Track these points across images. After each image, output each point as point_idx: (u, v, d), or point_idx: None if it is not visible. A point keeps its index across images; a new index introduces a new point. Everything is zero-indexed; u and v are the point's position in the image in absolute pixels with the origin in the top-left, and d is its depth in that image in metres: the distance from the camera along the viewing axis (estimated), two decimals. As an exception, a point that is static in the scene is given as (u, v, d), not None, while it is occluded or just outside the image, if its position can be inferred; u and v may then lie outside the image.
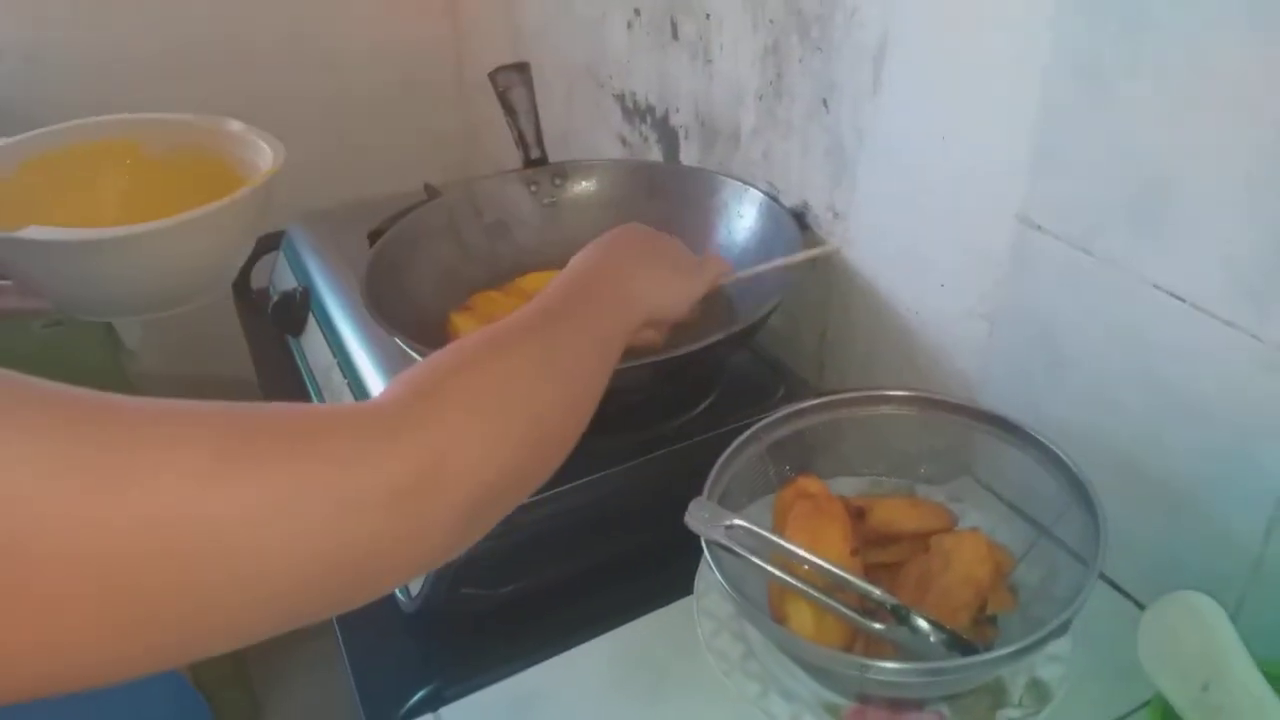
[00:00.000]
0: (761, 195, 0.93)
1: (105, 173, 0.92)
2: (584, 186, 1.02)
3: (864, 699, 0.60)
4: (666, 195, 0.99)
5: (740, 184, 0.95)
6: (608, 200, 1.01)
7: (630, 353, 0.66)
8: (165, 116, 0.94)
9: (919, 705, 0.59)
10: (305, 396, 1.02)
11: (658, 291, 0.65)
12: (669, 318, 0.67)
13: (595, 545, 0.77)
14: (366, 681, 0.73)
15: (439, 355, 0.49)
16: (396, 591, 0.73)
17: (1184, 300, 0.60)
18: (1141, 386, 0.64)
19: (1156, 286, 0.61)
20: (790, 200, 0.94)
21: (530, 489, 0.50)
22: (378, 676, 0.73)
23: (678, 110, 1.12)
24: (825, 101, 0.86)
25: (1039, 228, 0.68)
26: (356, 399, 0.89)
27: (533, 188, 1.00)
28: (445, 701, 0.64)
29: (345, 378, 0.93)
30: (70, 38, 1.49)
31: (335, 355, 0.97)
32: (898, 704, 0.59)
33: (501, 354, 0.49)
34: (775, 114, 0.93)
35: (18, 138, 0.88)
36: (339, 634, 0.77)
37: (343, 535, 0.39)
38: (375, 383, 0.89)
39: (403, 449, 0.41)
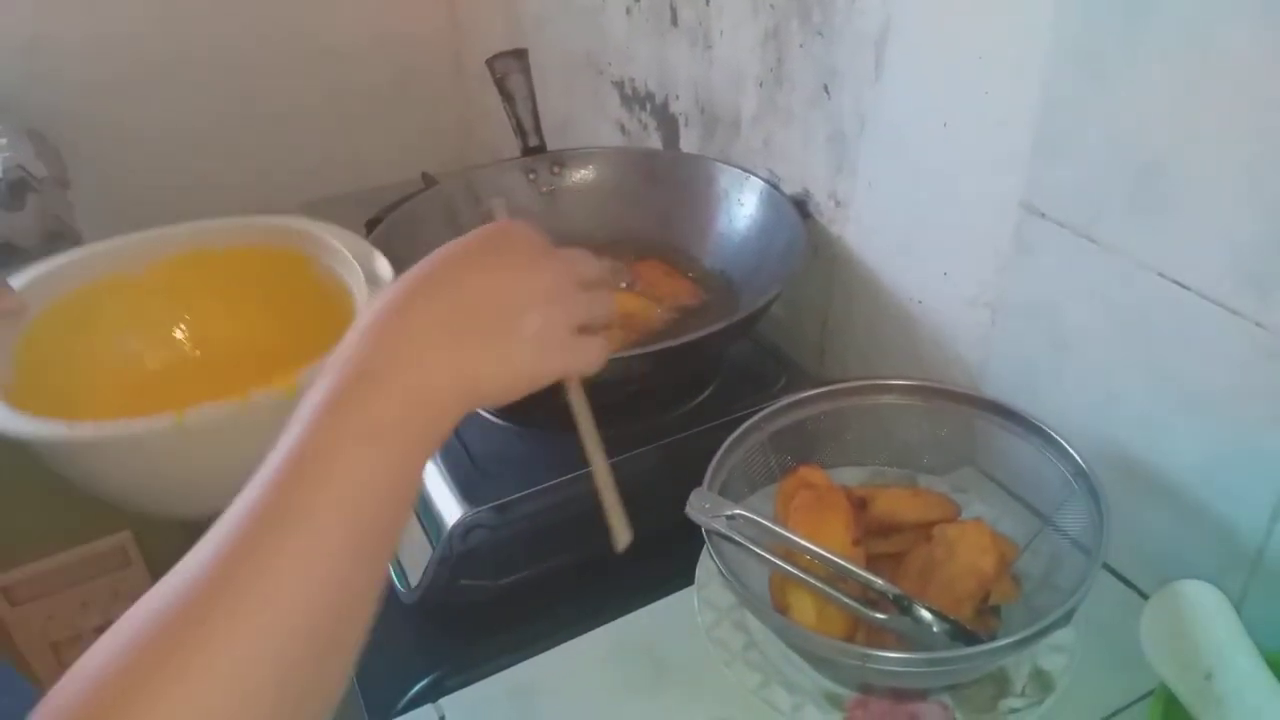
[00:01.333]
0: (762, 183, 0.92)
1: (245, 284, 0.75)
2: (582, 175, 1.01)
3: (866, 689, 0.60)
4: (666, 183, 0.99)
5: (741, 172, 0.95)
6: (607, 188, 1.01)
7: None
8: (331, 236, 0.74)
9: (922, 695, 0.59)
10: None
11: (474, 380, 0.42)
12: (499, 402, 0.44)
13: (595, 536, 0.77)
14: (367, 673, 0.73)
15: (113, 648, 0.32)
16: (396, 583, 0.73)
17: (1187, 287, 0.59)
18: (1144, 374, 0.64)
19: (1160, 274, 0.61)
20: (791, 188, 0.93)
21: None
22: (378, 668, 0.73)
23: (677, 97, 1.11)
24: (826, 87, 0.85)
25: (1042, 214, 0.68)
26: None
27: (531, 176, 1.00)
28: (446, 692, 0.64)
29: (344, 368, 0.93)
30: (69, 29, 1.48)
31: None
32: (900, 694, 0.59)
33: (193, 637, 0.32)
34: (776, 100, 0.93)
35: (156, 231, 0.74)
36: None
37: None
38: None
39: None
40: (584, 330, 0.46)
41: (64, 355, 0.68)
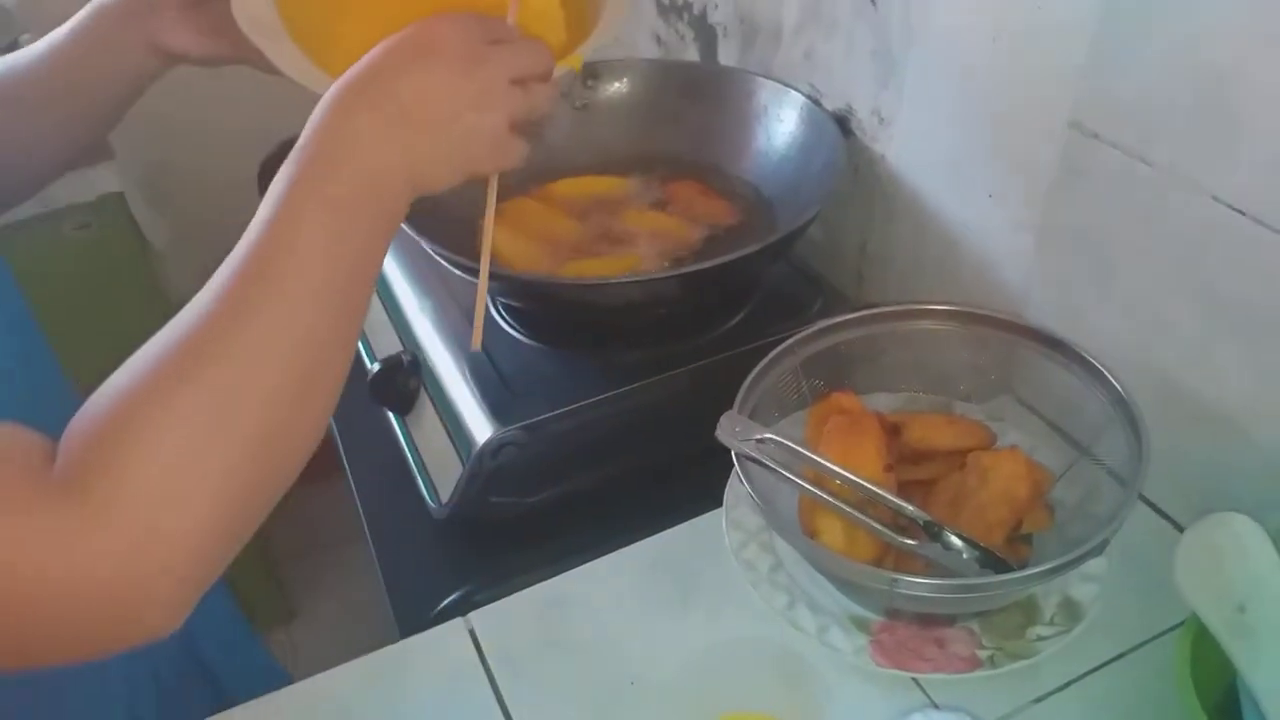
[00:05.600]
0: (803, 98, 0.89)
1: None
2: (617, 88, 0.98)
3: (893, 614, 0.60)
4: (703, 97, 0.96)
5: (781, 86, 0.92)
6: (641, 102, 0.98)
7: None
8: None
9: (949, 621, 0.59)
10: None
11: (417, 169, 0.47)
12: (438, 189, 0.50)
13: (625, 456, 0.77)
14: (398, 586, 0.75)
15: (119, 384, 0.39)
16: (427, 498, 0.74)
17: (1244, 213, 0.57)
18: (1194, 303, 0.62)
19: (1216, 199, 0.58)
20: (833, 104, 0.90)
21: (282, 488, 0.43)
22: (409, 581, 0.74)
23: (716, 7, 1.07)
24: (872, -2, 0.81)
25: (1094, 135, 0.65)
26: (386, 308, 0.89)
27: (564, 89, 0.97)
28: (475, 606, 0.65)
29: (375, 284, 0.93)
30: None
31: (365, 261, 0.96)
32: (927, 620, 0.59)
33: (190, 372, 0.39)
34: (819, 11, 0.89)
35: None
36: (371, 541, 0.78)
37: (45, 618, 0.37)
38: (404, 290, 0.88)
39: (101, 536, 0.36)
40: (519, 126, 0.50)
41: None
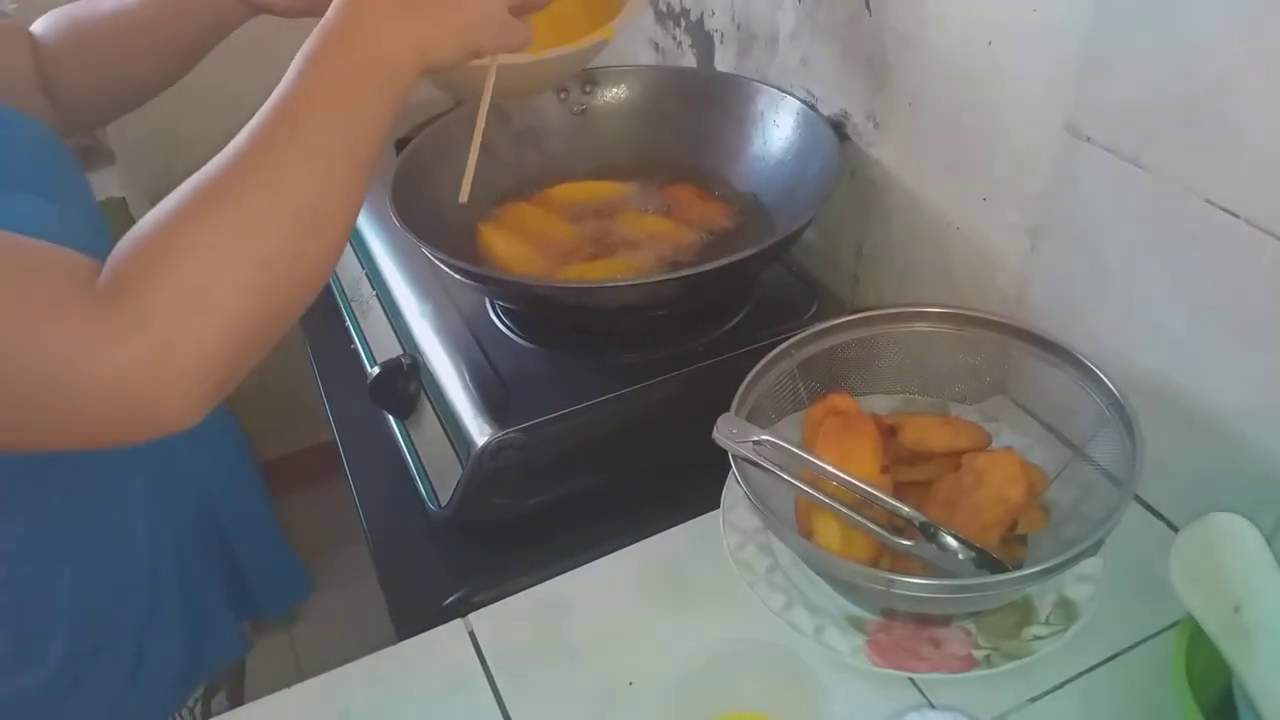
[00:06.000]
0: (799, 104, 0.90)
1: None
2: (615, 94, 0.99)
3: (889, 614, 0.60)
4: (700, 103, 0.97)
5: (777, 91, 0.92)
6: (639, 108, 0.99)
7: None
8: None
9: (945, 621, 0.59)
10: (334, 305, 1.02)
11: (424, 46, 0.53)
12: (444, 67, 0.55)
13: (624, 459, 0.78)
14: (397, 587, 0.75)
15: (158, 214, 0.45)
16: (427, 500, 0.74)
17: (1238, 216, 0.57)
18: (1188, 306, 0.62)
19: (1210, 202, 0.59)
20: (829, 109, 0.91)
21: (291, 317, 0.49)
22: (408, 583, 0.75)
23: (713, 13, 1.08)
24: (868, 4, 0.82)
25: (1087, 139, 0.65)
26: (386, 313, 0.89)
27: (562, 95, 0.98)
28: (475, 607, 0.65)
29: (374, 289, 0.93)
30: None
31: (363, 266, 0.97)
32: (923, 620, 0.60)
33: (217, 204, 0.45)
34: (815, 18, 0.90)
35: None
36: (371, 543, 0.79)
37: (82, 406, 0.43)
38: (404, 295, 0.88)
39: (134, 337, 0.42)
40: (519, 11, 0.57)
41: None
